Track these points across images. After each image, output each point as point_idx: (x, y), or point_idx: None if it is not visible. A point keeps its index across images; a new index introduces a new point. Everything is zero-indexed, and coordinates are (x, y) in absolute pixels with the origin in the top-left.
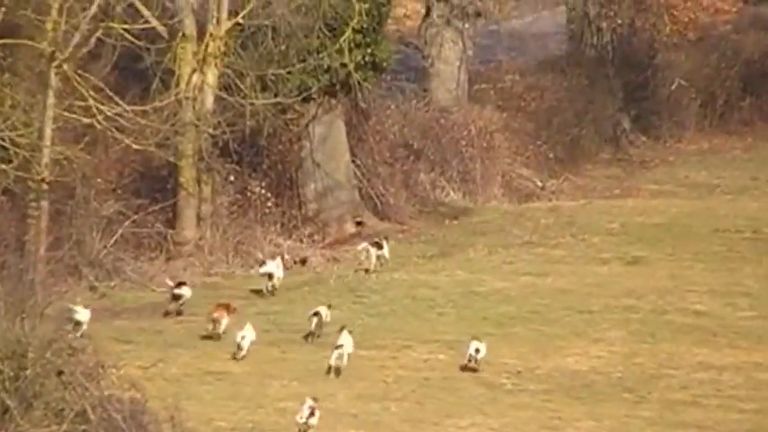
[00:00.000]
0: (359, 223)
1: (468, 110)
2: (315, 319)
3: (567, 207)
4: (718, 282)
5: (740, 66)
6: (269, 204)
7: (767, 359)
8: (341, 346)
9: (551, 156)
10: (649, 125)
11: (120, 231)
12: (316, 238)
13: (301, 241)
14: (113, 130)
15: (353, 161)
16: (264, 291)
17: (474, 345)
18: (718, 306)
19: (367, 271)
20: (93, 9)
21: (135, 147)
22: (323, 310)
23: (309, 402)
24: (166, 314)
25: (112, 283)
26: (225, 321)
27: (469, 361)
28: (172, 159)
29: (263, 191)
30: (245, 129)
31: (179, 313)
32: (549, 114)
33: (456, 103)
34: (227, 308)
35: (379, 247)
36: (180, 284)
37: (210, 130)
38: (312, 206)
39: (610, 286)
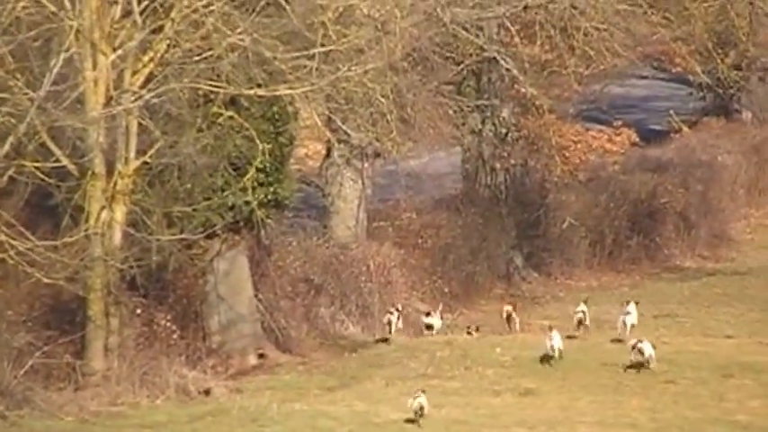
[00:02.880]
0: (261, 355)
1: (366, 246)
2: None
3: (461, 340)
4: (606, 413)
5: (628, 205)
6: (174, 336)
7: None
8: None
9: (447, 291)
10: (541, 262)
11: (30, 362)
12: (219, 369)
13: (205, 372)
14: (24, 264)
15: (256, 295)
16: None
17: None
18: None
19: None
20: (6, 147)
21: (45, 280)
22: None
23: None
24: None
25: (22, 412)
26: None
27: None
28: (81, 293)
29: (168, 323)
30: (151, 264)
31: None
32: (445, 251)
33: (355, 240)
34: None
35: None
36: None
37: (118, 265)
38: (216, 338)
39: (502, 417)
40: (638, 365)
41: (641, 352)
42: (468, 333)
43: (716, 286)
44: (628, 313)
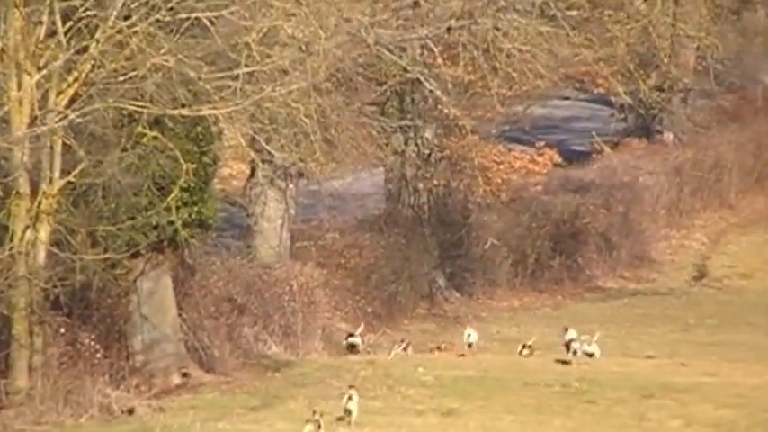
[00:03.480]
0: (184, 375)
1: (290, 266)
2: None
3: (383, 360)
4: None
5: (550, 226)
6: (98, 355)
7: None
8: None
9: (369, 311)
10: (463, 282)
11: None
12: (143, 388)
13: (129, 391)
14: None
15: (180, 315)
16: None
17: None
18: None
19: None
20: None
21: None
22: None
23: None
24: None
25: None
26: None
27: None
28: (5, 312)
29: (92, 342)
30: (75, 283)
31: None
32: (368, 271)
33: (278, 260)
34: None
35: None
36: None
37: (42, 284)
38: (139, 357)
39: None
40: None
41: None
42: (438, 348)
43: (637, 307)
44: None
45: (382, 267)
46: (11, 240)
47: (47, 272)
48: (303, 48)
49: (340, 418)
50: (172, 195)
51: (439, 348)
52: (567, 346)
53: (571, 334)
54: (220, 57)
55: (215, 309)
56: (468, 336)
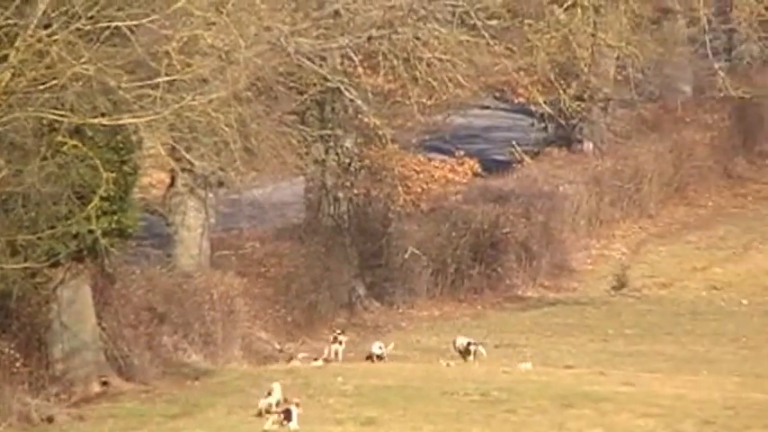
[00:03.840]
0: (104, 383)
1: (210, 275)
2: None
3: (303, 369)
4: None
5: (470, 235)
6: (17, 364)
7: None
8: None
9: (289, 320)
10: (383, 292)
11: None
12: (62, 396)
13: (48, 400)
14: None
15: (99, 323)
16: None
17: None
18: None
19: None
20: None
21: None
22: None
23: None
24: None
25: None
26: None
27: None
28: None
29: (11, 351)
30: None
31: None
32: (288, 280)
33: (198, 269)
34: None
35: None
36: None
37: None
38: (59, 366)
39: None
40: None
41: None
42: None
43: (557, 316)
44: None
45: (302, 276)
46: None
47: None
48: (223, 57)
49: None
50: (92, 204)
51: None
52: (463, 351)
53: (461, 340)
54: (141, 66)
55: (135, 317)
56: (379, 348)
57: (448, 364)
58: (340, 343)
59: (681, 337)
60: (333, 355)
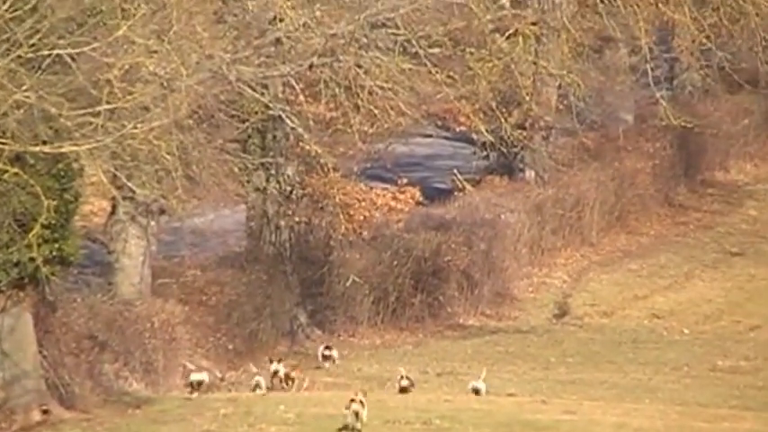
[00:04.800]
0: (45, 412)
1: (151, 303)
2: None
3: (245, 397)
4: None
5: (412, 264)
6: None
7: None
8: None
9: (231, 348)
10: (325, 320)
11: None
12: (3, 425)
13: None
14: None
15: (40, 351)
16: None
17: None
18: None
19: None
20: None
21: None
22: None
23: None
24: None
25: None
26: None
27: None
28: None
29: None
30: None
31: None
32: (229, 308)
33: (139, 297)
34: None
35: None
36: None
37: None
38: (0, 394)
39: None
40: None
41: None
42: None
43: (498, 344)
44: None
45: (244, 304)
46: None
47: None
48: (165, 84)
49: None
50: (33, 232)
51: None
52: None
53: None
54: (82, 93)
55: (76, 346)
56: (304, 380)
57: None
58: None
59: (623, 365)
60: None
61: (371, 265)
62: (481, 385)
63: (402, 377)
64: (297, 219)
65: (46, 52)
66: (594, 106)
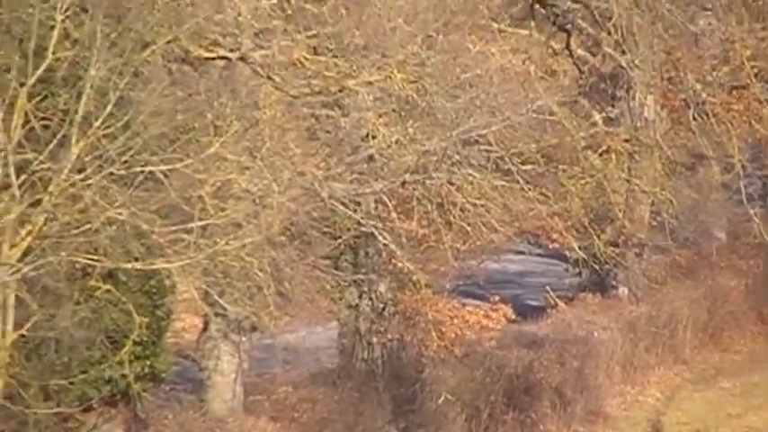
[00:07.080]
0: None
1: (243, 420)
2: None
3: None
4: None
5: (504, 381)
6: None
7: None
8: None
9: None
10: None
11: None
12: None
13: None
14: None
15: None
16: None
17: None
18: None
19: None
20: None
21: None
22: None
23: None
24: None
25: None
26: None
27: None
28: None
29: None
30: None
31: None
32: (321, 425)
33: (232, 414)
34: None
35: None
36: None
37: None
38: None
39: None
40: None
41: None
42: None
43: None
44: None
45: (336, 422)
46: None
47: None
48: (257, 201)
49: None
50: (125, 349)
51: None
52: None
53: None
54: (174, 210)
55: None
56: None
57: None
58: None
59: None
60: None
61: (463, 383)
62: None
63: None
64: (389, 336)
65: (138, 169)
66: (687, 223)
